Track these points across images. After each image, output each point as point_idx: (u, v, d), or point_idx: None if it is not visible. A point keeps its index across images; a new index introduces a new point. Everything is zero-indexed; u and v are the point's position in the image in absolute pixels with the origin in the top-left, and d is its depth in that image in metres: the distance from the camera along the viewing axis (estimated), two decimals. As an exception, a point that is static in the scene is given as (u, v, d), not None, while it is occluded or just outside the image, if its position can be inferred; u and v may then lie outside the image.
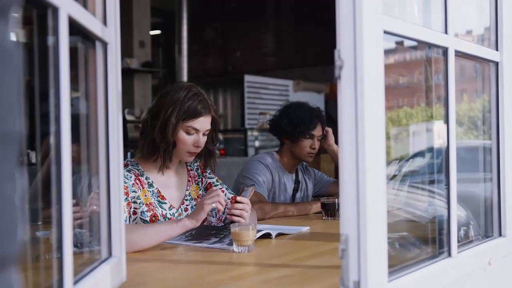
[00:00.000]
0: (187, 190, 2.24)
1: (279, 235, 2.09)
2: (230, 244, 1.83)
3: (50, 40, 0.96)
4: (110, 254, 1.31)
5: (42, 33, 0.97)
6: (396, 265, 1.27)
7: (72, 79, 1.00)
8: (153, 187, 2.12)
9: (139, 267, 1.62)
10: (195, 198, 2.26)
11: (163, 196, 2.14)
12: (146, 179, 2.12)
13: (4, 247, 0.51)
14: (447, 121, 1.46)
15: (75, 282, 1.03)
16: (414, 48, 1.69)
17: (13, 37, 0.54)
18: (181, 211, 2.19)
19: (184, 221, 1.89)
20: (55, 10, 0.94)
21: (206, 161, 2.27)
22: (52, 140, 0.96)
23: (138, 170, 2.12)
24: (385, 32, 1.19)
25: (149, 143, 2.11)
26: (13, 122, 0.52)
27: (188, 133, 2.10)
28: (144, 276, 1.53)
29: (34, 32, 0.98)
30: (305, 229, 2.26)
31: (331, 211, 2.55)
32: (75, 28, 1.06)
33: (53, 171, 0.95)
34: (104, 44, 1.28)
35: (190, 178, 2.27)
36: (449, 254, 1.45)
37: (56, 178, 0.95)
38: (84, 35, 1.19)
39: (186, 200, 2.23)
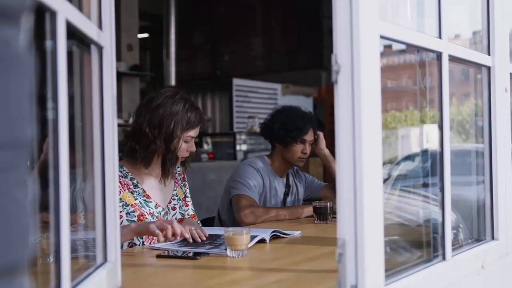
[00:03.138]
0: (174, 190, 2.32)
1: (274, 238, 2.09)
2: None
3: (48, 43, 0.95)
4: (105, 259, 1.30)
5: (39, 36, 0.96)
6: (392, 269, 1.27)
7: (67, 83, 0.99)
8: (139, 187, 2.18)
9: (134, 272, 1.61)
10: (182, 199, 2.34)
11: (148, 195, 2.20)
12: (130, 180, 2.17)
13: (18, 253, 0.51)
14: (441, 125, 1.46)
15: (72, 288, 1.02)
16: (402, 51, 1.70)
17: (23, 42, 0.54)
18: (168, 209, 2.26)
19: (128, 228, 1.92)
20: (53, 14, 0.93)
21: (184, 159, 2.29)
22: (49, 143, 0.95)
23: (121, 172, 2.16)
24: (381, 37, 1.19)
25: (150, 153, 2.15)
26: (25, 128, 0.51)
27: (186, 141, 2.20)
28: (139, 282, 1.52)
29: (31, 36, 0.97)
30: (297, 233, 2.26)
31: (323, 215, 2.55)
32: (71, 32, 1.05)
33: (50, 176, 0.94)
34: (100, 48, 1.28)
35: (176, 180, 2.35)
36: (444, 258, 1.45)
37: (54, 183, 0.94)
38: (79, 38, 1.18)
39: (174, 199, 2.30)
